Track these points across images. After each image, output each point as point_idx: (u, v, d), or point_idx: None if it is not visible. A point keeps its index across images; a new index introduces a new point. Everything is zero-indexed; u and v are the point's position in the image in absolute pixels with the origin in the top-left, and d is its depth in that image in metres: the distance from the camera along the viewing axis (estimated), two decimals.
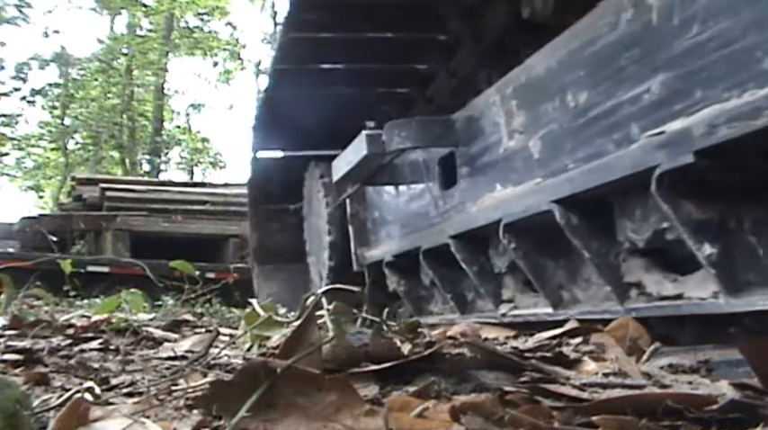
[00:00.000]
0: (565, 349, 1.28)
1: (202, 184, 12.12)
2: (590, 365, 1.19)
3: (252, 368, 0.80)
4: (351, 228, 3.71)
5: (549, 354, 1.21)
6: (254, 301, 1.54)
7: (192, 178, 19.73)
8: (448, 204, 2.70)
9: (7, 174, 21.36)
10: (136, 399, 1.02)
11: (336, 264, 3.87)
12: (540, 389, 0.95)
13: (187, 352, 1.55)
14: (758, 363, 0.90)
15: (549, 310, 2.12)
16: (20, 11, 19.27)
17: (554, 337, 1.42)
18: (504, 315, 2.37)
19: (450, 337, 1.46)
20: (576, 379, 1.06)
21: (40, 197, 22.18)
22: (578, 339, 1.36)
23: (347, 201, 3.73)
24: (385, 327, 1.28)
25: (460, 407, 0.81)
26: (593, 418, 0.79)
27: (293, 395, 0.78)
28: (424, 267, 2.84)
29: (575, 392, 0.95)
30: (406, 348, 1.16)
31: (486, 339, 1.56)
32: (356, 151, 2.82)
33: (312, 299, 1.24)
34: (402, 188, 3.19)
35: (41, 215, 11.17)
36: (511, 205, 2.20)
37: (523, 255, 2.17)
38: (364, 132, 2.69)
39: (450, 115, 2.62)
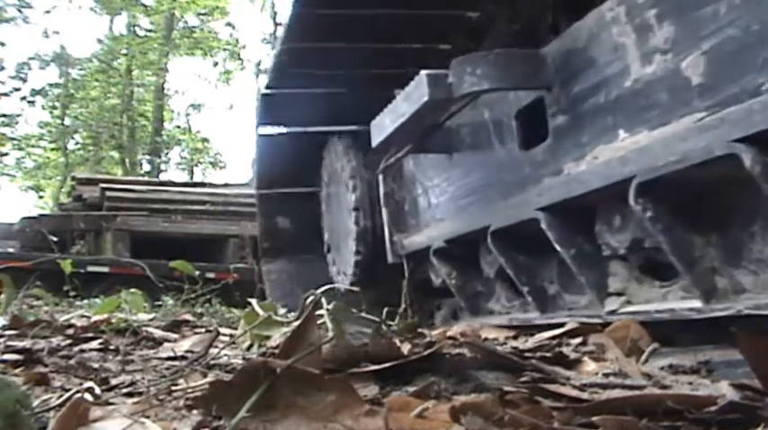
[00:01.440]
0: (564, 349, 1.28)
1: (202, 184, 12.12)
2: (590, 366, 1.19)
3: (251, 368, 0.80)
4: (385, 212, 3.20)
5: (548, 355, 1.21)
6: (253, 301, 1.54)
7: (191, 178, 19.74)
8: (534, 168, 2.12)
9: (7, 174, 21.38)
10: (136, 399, 1.02)
11: (365, 257, 3.29)
12: (540, 390, 0.95)
13: (187, 352, 1.55)
14: (758, 363, 0.90)
15: (696, 305, 1.53)
16: (20, 11, 19.29)
17: (554, 338, 1.42)
18: (612, 312, 1.82)
19: (449, 337, 1.46)
20: (576, 379, 1.06)
21: (40, 197, 22.18)
22: (578, 339, 1.36)
23: (380, 179, 3.22)
24: (384, 327, 1.28)
25: (460, 408, 0.81)
26: (594, 419, 0.79)
27: (293, 395, 0.78)
28: (492, 252, 2.30)
29: (575, 392, 0.95)
30: (405, 348, 1.16)
31: (485, 339, 1.57)
32: (411, 100, 2.19)
33: (311, 298, 1.24)
34: (457, 156, 2.64)
35: (41, 215, 11.17)
36: (650, 155, 1.58)
37: (666, 227, 1.56)
38: (424, 73, 2.08)
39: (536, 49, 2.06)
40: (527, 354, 1.19)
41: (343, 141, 3.47)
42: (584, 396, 0.94)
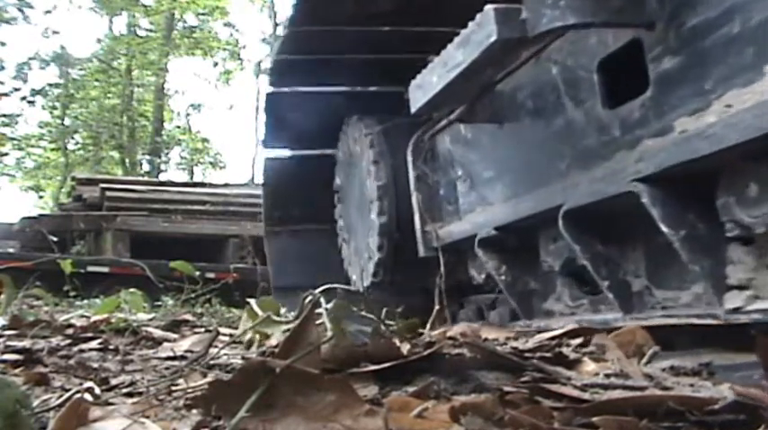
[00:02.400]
0: (564, 350, 1.28)
1: (202, 185, 12.12)
2: (590, 366, 1.19)
3: (251, 367, 0.80)
4: (415, 199, 2.80)
5: (548, 355, 1.21)
6: (252, 301, 1.54)
7: (191, 178, 19.73)
8: (627, 128, 1.71)
9: (7, 175, 21.38)
10: (135, 399, 1.02)
11: (389, 253, 2.92)
12: (541, 389, 0.95)
13: (187, 352, 1.55)
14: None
15: None
16: (20, 11, 19.28)
17: (553, 338, 1.42)
18: (735, 310, 1.44)
19: (449, 338, 1.46)
20: (577, 379, 1.06)
21: (40, 197, 22.18)
22: (578, 340, 1.36)
23: (408, 161, 2.83)
24: (383, 327, 1.28)
25: (460, 408, 0.81)
26: (594, 419, 0.79)
27: (292, 395, 0.78)
28: (557, 241, 2.00)
29: (576, 393, 0.95)
30: (405, 348, 1.16)
31: (485, 339, 1.57)
32: (470, 45, 1.74)
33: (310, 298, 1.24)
34: (511, 126, 2.24)
35: (41, 215, 11.16)
36: None
37: None
38: (490, 7, 1.66)
39: None
40: (527, 355, 1.19)
41: (364, 121, 3.06)
42: (585, 396, 0.94)
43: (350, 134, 3.22)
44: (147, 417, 0.87)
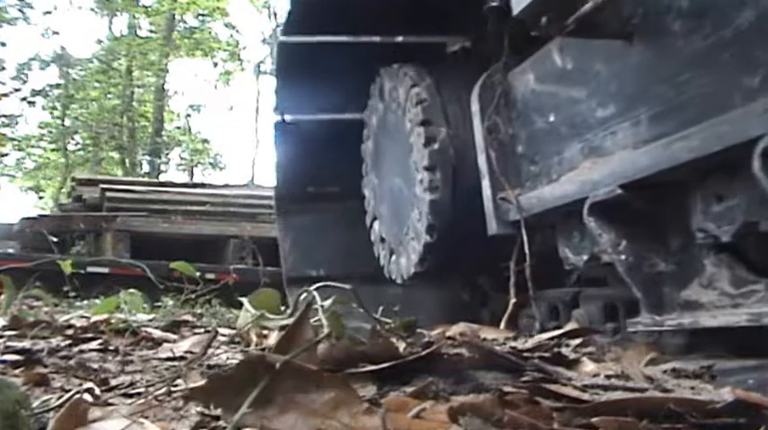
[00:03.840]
0: (564, 350, 1.28)
1: (202, 185, 12.11)
2: (589, 366, 1.19)
3: (250, 362, 0.80)
4: (485, 158, 2.18)
5: (548, 355, 1.21)
6: (245, 300, 1.53)
7: (191, 179, 19.72)
8: None
9: (7, 175, 21.37)
10: (134, 400, 1.02)
11: (442, 236, 2.35)
12: (541, 389, 0.95)
13: (186, 352, 1.55)
14: None
15: None
16: (20, 11, 19.28)
17: (552, 338, 1.42)
18: None
19: (448, 337, 1.46)
20: (577, 380, 1.06)
21: (40, 198, 22.17)
22: (577, 340, 1.36)
23: (475, 110, 2.21)
24: (380, 326, 1.28)
25: (459, 409, 0.80)
26: (593, 420, 0.79)
27: (291, 391, 0.79)
28: (724, 202, 1.45)
29: (575, 393, 0.95)
30: (402, 348, 1.15)
31: (484, 339, 1.56)
32: None
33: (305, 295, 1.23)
34: (651, 37, 1.64)
35: (41, 216, 11.16)
36: None
37: None
38: None
39: None
40: (526, 355, 1.19)
41: (407, 71, 2.47)
42: (585, 397, 0.94)
43: (386, 89, 2.64)
44: (146, 418, 0.87)
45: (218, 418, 0.83)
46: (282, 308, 1.53)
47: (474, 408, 0.80)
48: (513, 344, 1.42)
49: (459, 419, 0.79)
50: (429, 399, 0.93)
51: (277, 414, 0.77)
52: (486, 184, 2.22)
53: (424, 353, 1.07)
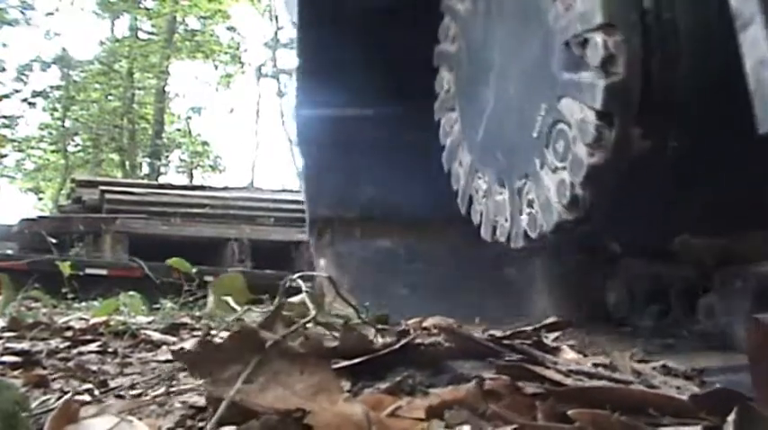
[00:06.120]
0: (544, 339, 1.25)
1: (202, 188, 12.12)
2: (569, 354, 1.16)
3: (244, 334, 0.81)
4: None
5: (528, 342, 1.15)
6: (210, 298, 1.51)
7: (191, 181, 19.73)
8: None
9: (7, 176, 21.37)
10: (124, 399, 1.02)
11: (618, 156, 1.42)
12: (523, 371, 0.90)
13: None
14: (755, 340, 0.84)
15: None
16: (22, 13, 19.32)
17: (531, 329, 1.38)
18: None
19: (423, 328, 1.41)
20: (562, 365, 1.01)
21: (40, 199, 22.16)
22: (556, 333, 1.32)
23: None
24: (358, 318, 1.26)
25: (438, 406, 0.79)
26: (569, 413, 0.75)
27: (276, 370, 0.80)
28: None
29: (559, 377, 0.91)
30: (378, 340, 1.10)
31: (460, 326, 1.51)
32: None
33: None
34: None
35: (41, 217, 11.16)
36: None
37: None
38: None
39: None
40: (506, 342, 1.12)
41: None
42: (568, 381, 0.91)
43: None
44: (134, 415, 0.88)
45: (204, 409, 0.83)
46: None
47: (454, 404, 0.78)
48: (490, 332, 1.36)
49: (443, 414, 0.77)
50: (406, 394, 0.89)
51: (257, 390, 0.78)
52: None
53: (398, 346, 1.02)
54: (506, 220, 1.84)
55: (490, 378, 0.89)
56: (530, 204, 1.72)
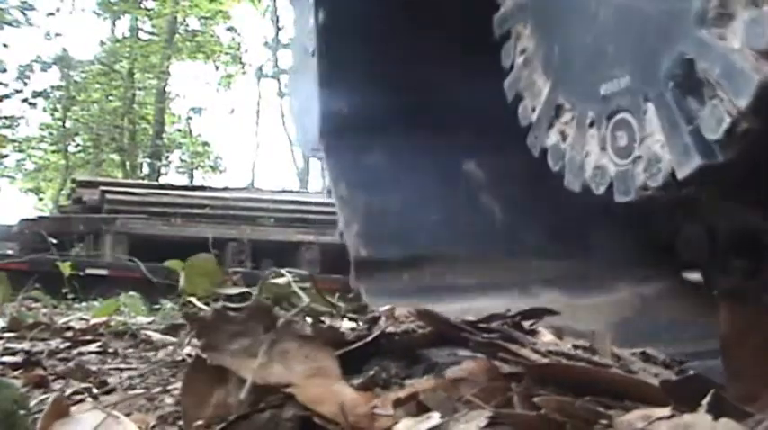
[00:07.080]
0: (522, 324, 1.20)
1: (202, 188, 12.12)
2: (547, 337, 1.13)
3: (259, 309, 0.82)
4: None
5: (505, 326, 1.09)
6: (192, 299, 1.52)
7: (192, 182, 19.74)
8: None
9: (7, 176, 21.38)
10: (113, 395, 1.03)
11: None
12: (500, 349, 0.87)
13: (187, 355, 1.55)
14: (729, 318, 0.81)
15: None
16: (23, 13, 19.32)
17: (505, 316, 1.33)
18: None
19: (395, 317, 1.38)
20: (541, 346, 0.97)
21: (40, 199, 22.17)
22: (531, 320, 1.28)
23: None
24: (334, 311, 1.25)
25: (406, 399, 0.78)
26: (535, 399, 0.73)
27: (284, 349, 0.81)
28: None
29: (536, 356, 0.88)
30: (350, 330, 1.06)
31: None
32: None
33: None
34: None
35: (41, 217, 11.16)
36: None
37: None
38: None
39: None
40: (482, 325, 1.05)
41: None
42: (545, 361, 0.88)
43: None
44: (126, 413, 0.88)
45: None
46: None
47: (425, 394, 0.78)
48: (466, 318, 1.31)
49: (423, 402, 0.77)
50: (380, 388, 0.86)
51: (261, 364, 0.79)
52: None
53: (371, 337, 0.97)
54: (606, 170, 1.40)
55: (466, 356, 0.88)
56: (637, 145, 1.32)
